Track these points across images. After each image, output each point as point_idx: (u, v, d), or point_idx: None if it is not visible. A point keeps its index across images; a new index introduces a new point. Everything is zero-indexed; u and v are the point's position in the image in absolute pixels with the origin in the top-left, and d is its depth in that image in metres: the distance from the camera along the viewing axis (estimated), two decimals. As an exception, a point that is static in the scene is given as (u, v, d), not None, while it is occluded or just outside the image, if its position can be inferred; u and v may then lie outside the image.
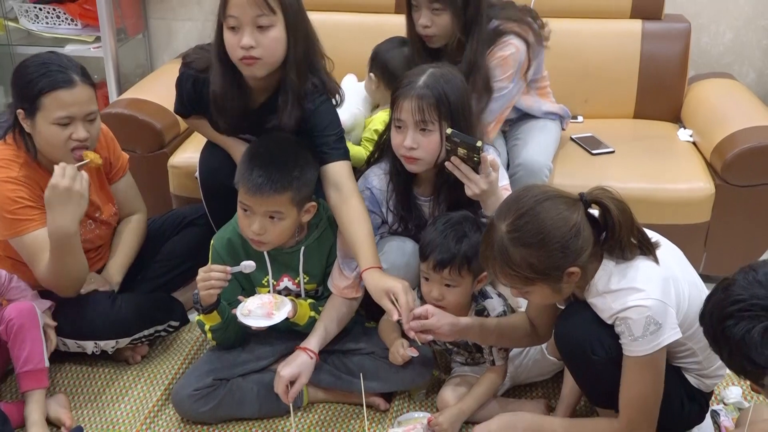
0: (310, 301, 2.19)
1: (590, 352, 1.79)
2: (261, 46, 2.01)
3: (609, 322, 1.76)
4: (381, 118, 2.60)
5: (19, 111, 2.13)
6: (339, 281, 2.17)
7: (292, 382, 2.04)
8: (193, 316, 2.55)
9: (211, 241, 2.20)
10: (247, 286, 2.22)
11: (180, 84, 2.31)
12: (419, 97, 2.02)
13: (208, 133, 2.38)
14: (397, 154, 2.10)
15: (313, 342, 2.08)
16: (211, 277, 2.00)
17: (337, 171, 2.13)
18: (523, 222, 1.69)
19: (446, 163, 2.01)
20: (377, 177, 2.20)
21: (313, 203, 2.12)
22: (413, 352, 2.09)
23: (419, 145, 2.04)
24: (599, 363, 1.79)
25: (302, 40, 2.08)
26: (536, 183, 2.00)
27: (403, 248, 2.19)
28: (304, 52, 2.09)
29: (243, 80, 2.14)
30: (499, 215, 1.74)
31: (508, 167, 2.55)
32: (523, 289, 1.76)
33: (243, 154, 2.08)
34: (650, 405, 1.78)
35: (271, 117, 2.15)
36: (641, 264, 1.75)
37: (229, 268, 2.03)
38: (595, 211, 1.75)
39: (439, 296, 2.05)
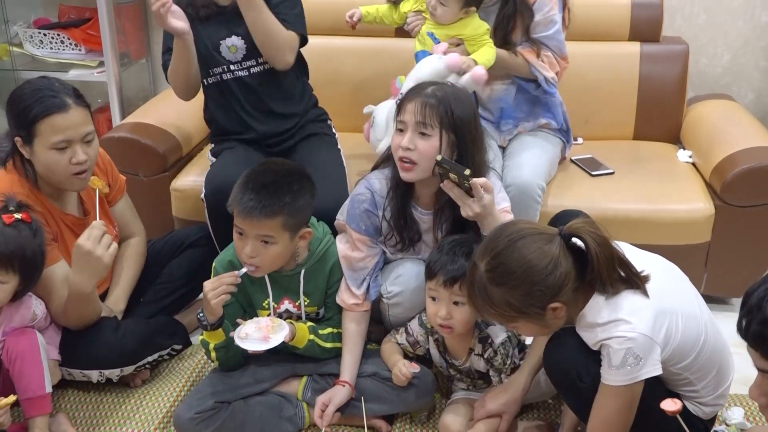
0: (309, 324, 2.20)
1: (577, 379, 1.80)
2: None
3: (595, 348, 1.75)
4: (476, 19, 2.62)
5: (17, 139, 2.13)
6: (347, 298, 2.19)
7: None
8: (196, 338, 2.57)
9: (213, 263, 2.22)
10: (249, 308, 2.23)
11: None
12: (423, 100, 2.04)
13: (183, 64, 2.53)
14: (395, 157, 2.10)
15: (346, 374, 2.15)
16: (222, 282, 2.04)
17: None
18: (498, 262, 1.70)
19: (441, 185, 2.02)
20: (378, 180, 2.20)
21: (309, 229, 2.12)
22: (415, 368, 2.11)
23: (416, 148, 2.04)
24: (586, 390, 1.79)
25: None
26: (518, 219, 2.00)
27: (418, 272, 2.18)
28: None
29: None
30: (478, 254, 1.76)
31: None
32: (509, 325, 1.79)
33: (241, 177, 2.09)
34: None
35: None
36: (630, 297, 1.73)
37: (237, 272, 2.06)
38: (580, 242, 1.73)
39: (447, 315, 2.03)
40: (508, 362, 2.10)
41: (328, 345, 2.20)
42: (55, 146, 2.11)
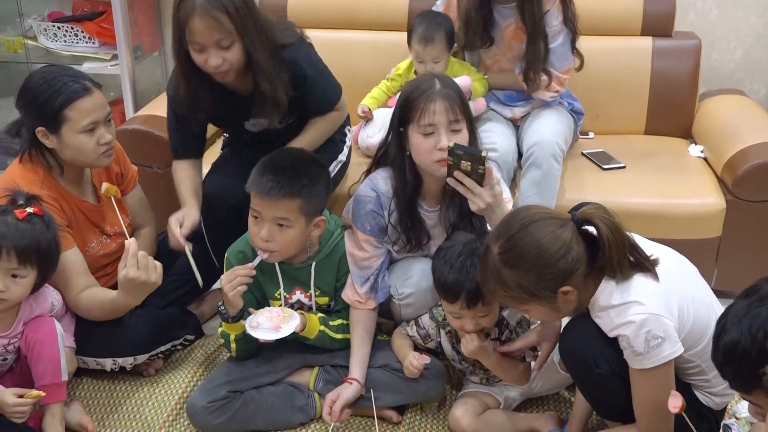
0: (320, 315, 2.21)
1: (594, 366, 1.81)
2: (227, 61, 2.22)
3: (611, 335, 1.76)
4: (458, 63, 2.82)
5: (39, 129, 2.14)
6: (351, 294, 2.20)
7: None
8: (208, 329, 2.59)
9: (225, 254, 2.23)
10: (261, 299, 2.24)
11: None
12: (445, 97, 2.02)
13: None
14: (426, 159, 2.06)
15: (355, 371, 2.15)
16: (237, 275, 2.06)
17: None
18: (511, 245, 1.72)
19: (448, 179, 1.99)
20: (383, 181, 2.19)
21: (323, 218, 2.14)
22: (425, 359, 2.11)
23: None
24: (603, 376, 1.80)
25: (259, 43, 2.25)
26: (531, 204, 1.98)
27: (428, 272, 2.17)
28: (263, 47, 2.26)
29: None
30: (492, 237, 1.77)
31: (520, 157, 2.65)
32: (520, 308, 1.79)
33: (258, 163, 2.11)
34: (664, 412, 1.78)
35: (254, 108, 2.36)
36: (641, 280, 1.75)
37: (251, 264, 2.08)
38: (592, 229, 1.75)
39: (475, 327, 2.05)
40: None
41: (339, 336, 2.22)
42: (84, 129, 2.14)
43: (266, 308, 2.13)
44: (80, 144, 2.15)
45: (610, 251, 1.71)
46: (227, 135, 2.77)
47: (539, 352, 2.09)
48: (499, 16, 2.70)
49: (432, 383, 2.19)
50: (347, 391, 2.12)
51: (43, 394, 2.02)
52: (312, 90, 2.42)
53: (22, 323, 2.10)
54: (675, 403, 1.59)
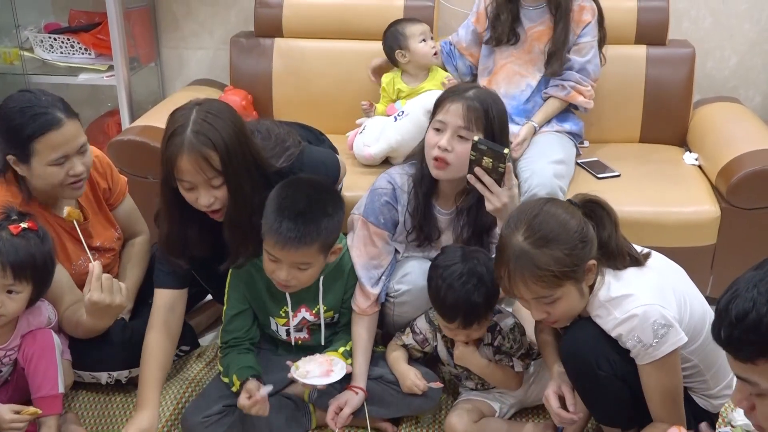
0: (341, 350, 2.18)
1: (596, 368, 1.81)
2: (219, 200, 2.03)
3: (613, 334, 1.77)
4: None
5: (10, 157, 2.11)
6: (362, 301, 2.19)
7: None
8: (204, 340, 2.59)
9: (229, 270, 2.20)
10: (263, 316, 2.24)
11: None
12: (468, 104, 2.03)
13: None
14: (428, 155, 2.09)
15: (360, 380, 2.14)
16: (257, 402, 2.00)
17: None
18: (538, 222, 1.74)
19: (468, 176, 2.00)
20: (400, 176, 2.20)
21: (340, 245, 2.11)
22: (437, 385, 2.13)
23: (453, 150, 2.04)
24: (605, 378, 1.81)
25: (247, 179, 2.05)
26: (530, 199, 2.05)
27: (425, 270, 2.18)
28: (250, 183, 2.06)
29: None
30: (508, 231, 1.78)
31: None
32: (553, 295, 1.76)
33: (269, 203, 2.00)
34: (678, 399, 1.82)
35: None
36: (637, 273, 1.79)
37: (263, 391, 2.02)
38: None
39: (467, 338, 2.08)
40: (516, 346, 2.13)
41: (349, 348, 2.22)
42: (53, 163, 2.08)
43: (310, 357, 2.10)
44: (49, 176, 2.11)
45: (615, 231, 1.78)
46: None
47: (528, 360, 2.14)
48: (525, 17, 2.80)
49: (428, 396, 2.18)
50: (354, 400, 2.10)
51: (40, 411, 2.02)
52: None
53: (19, 337, 2.10)
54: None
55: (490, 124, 2.04)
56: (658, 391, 1.80)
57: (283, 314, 2.20)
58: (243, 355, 2.16)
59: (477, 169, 1.98)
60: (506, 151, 1.93)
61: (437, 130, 2.07)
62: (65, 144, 2.09)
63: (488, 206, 2.01)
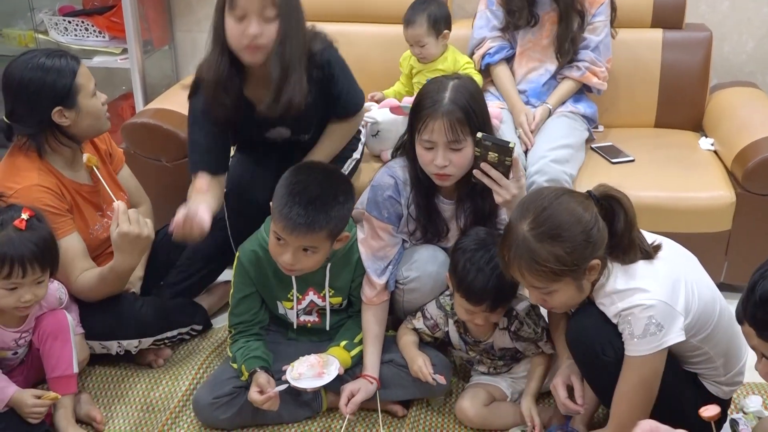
0: (342, 344, 2.19)
1: (600, 353, 1.81)
2: (265, 35, 2.15)
3: (614, 321, 1.77)
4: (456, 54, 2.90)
5: (57, 111, 2.16)
6: (369, 291, 2.19)
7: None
8: (216, 321, 2.60)
9: (237, 252, 2.22)
10: (270, 300, 2.25)
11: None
12: (449, 118, 1.98)
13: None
14: (427, 172, 2.08)
15: (372, 369, 2.14)
16: (269, 398, 2.04)
17: None
18: (545, 216, 1.72)
19: (474, 172, 1.99)
20: (401, 169, 2.18)
21: (347, 234, 2.12)
22: (441, 380, 2.12)
23: (451, 162, 2.03)
24: (609, 364, 1.80)
25: (295, 34, 2.20)
26: (545, 186, 2.02)
27: (434, 256, 2.19)
28: (297, 41, 2.21)
29: (241, 68, 2.26)
30: (516, 217, 1.76)
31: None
32: (548, 288, 1.76)
33: (281, 185, 2.03)
34: (640, 406, 1.79)
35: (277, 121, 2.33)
36: (647, 266, 1.77)
37: (276, 389, 2.05)
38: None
39: (485, 322, 2.08)
40: (539, 330, 2.12)
41: (358, 339, 2.21)
42: (93, 92, 2.23)
43: (301, 359, 2.10)
44: (94, 107, 2.23)
45: (629, 226, 1.75)
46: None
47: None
48: (540, 3, 2.79)
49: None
50: (367, 389, 2.10)
51: (60, 396, 2.06)
52: (339, 91, 2.39)
53: (33, 319, 2.12)
54: (710, 412, 1.58)
55: (475, 122, 2.02)
56: (622, 386, 1.78)
57: (291, 298, 2.21)
58: (252, 343, 2.17)
59: (483, 165, 1.97)
60: (512, 144, 1.93)
61: (427, 149, 2.04)
62: (90, 74, 2.25)
63: (498, 199, 2.00)
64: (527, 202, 1.78)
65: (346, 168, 2.60)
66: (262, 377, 2.06)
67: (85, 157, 2.24)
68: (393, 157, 2.28)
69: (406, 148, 2.17)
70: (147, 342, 2.34)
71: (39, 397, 2.02)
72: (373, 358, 2.15)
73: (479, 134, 1.95)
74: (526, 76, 2.88)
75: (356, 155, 2.67)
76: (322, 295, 2.21)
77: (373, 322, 2.19)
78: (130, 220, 2.09)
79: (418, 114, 2.05)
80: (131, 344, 2.32)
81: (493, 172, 1.97)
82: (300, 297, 2.21)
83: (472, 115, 2.01)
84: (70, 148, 2.26)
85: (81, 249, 2.24)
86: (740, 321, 1.49)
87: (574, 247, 1.70)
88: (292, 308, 2.23)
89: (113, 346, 2.31)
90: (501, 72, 2.90)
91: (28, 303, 2.00)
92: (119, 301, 2.29)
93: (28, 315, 2.10)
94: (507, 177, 1.97)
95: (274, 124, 2.40)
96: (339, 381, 2.14)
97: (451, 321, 2.20)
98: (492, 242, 2.02)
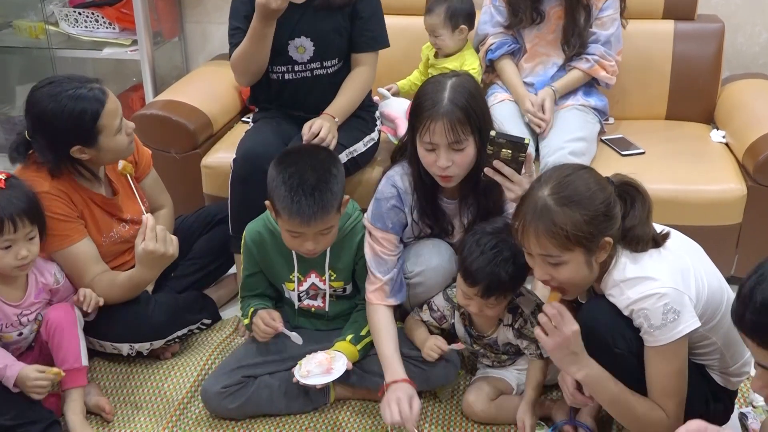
0: (349, 338, 2.20)
1: (613, 345, 1.80)
2: None
3: (626, 313, 1.77)
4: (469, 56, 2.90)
5: (77, 148, 2.15)
6: (376, 297, 2.17)
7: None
8: (225, 314, 2.61)
9: (243, 233, 2.24)
10: (276, 282, 2.26)
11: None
12: (449, 118, 1.97)
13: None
14: (431, 172, 2.07)
15: (400, 372, 2.07)
16: (267, 334, 2.15)
17: None
18: (567, 182, 1.73)
19: (485, 169, 1.98)
20: (401, 177, 2.18)
21: (347, 197, 2.14)
22: (459, 346, 2.13)
23: (453, 162, 2.02)
24: (621, 356, 1.80)
25: None
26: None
27: (438, 250, 2.19)
28: None
29: None
30: (538, 184, 1.77)
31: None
32: (560, 257, 1.74)
33: (275, 184, 2.03)
34: (680, 394, 1.80)
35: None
36: (655, 254, 1.77)
37: (285, 331, 2.13)
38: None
39: (479, 311, 2.07)
40: None
41: (365, 331, 2.21)
42: (117, 130, 2.18)
43: (308, 357, 2.11)
44: (117, 144, 2.20)
45: (645, 211, 1.76)
46: (256, 110, 2.79)
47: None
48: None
49: (445, 371, 2.19)
50: (408, 390, 2.02)
51: (63, 373, 2.08)
52: (369, 15, 2.52)
53: (33, 295, 2.15)
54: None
55: (475, 121, 2.01)
56: (659, 379, 1.78)
57: (293, 279, 2.22)
58: (262, 299, 2.25)
59: (496, 162, 1.96)
60: (527, 140, 1.93)
61: (429, 150, 2.03)
62: (117, 107, 2.18)
63: (510, 195, 2.00)
64: (550, 171, 1.81)
65: (364, 147, 2.64)
66: (264, 312, 2.17)
67: (121, 164, 2.26)
68: (393, 160, 2.27)
69: (407, 150, 2.16)
70: (159, 344, 2.35)
71: (42, 372, 2.04)
72: (395, 362, 2.08)
73: (493, 132, 1.95)
74: (533, 70, 2.87)
75: (374, 135, 2.70)
76: (323, 278, 2.22)
77: (384, 328, 2.13)
78: (157, 238, 2.10)
79: (418, 116, 2.04)
80: (143, 347, 2.33)
81: (506, 169, 1.97)
82: (302, 278, 2.22)
83: (472, 114, 2.00)
84: (88, 173, 2.26)
85: (93, 253, 2.25)
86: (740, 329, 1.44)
87: (593, 217, 1.71)
88: (293, 290, 2.24)
89: (125, 348, 2.33)
90: (505, 66, 2.88)
91: (25, 259, 2.05)
92: (132, 305, 2.29)
93: (28, 287, 2.14)
94: (519, 173, 1.97)
95: (299, 32, 2.47)
96: (346, 374, 2.15)
97: (457, 313, 2.20)
98: (506, 233, 2.02)
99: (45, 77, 2.19)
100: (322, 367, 2.08)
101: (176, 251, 2.16)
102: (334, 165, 2.09)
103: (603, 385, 1.82)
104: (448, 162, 2.02)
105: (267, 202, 2.07)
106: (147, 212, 2.32)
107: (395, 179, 2.18)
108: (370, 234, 2.19)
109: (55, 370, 2.06)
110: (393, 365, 2.08)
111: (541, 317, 1.81)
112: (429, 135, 2.00)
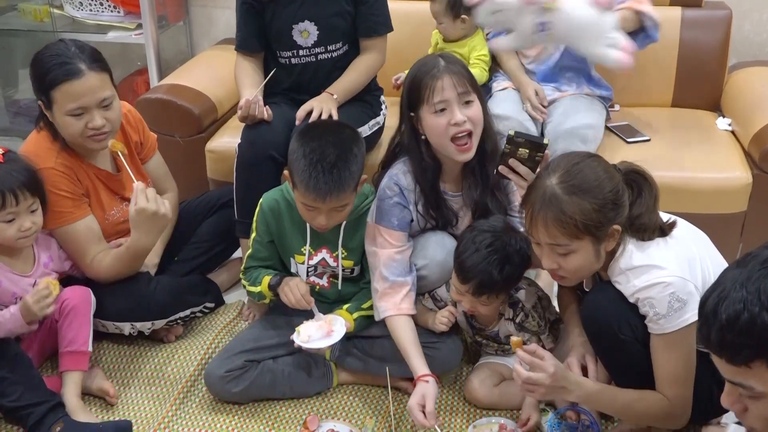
0: (346, 306, 2.21)
1: (618, 332, 1.80)
2: None
3: (632, 301, 1.77)
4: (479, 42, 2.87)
5: (39, 102, 2.17)
6: (392, 306, 2.13)
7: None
8: (229, 298, 2.61)
9: (260, 200, 2.24)
10: (284, 254, 2.27)
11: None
12: (451, 69, 2.02)
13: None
14: (446, 139, 2.04)
15: (423, 368, 2.04)
16: (298, 303, 2.13)
17: None
18: (576, 170, 1.73)
19: (500, 168, 1.97)
20: (404, 175, 2.16)
21: (364, 176, 2.14)
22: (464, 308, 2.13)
23: (468, 118, 2.02)
24: (626, 343, 1.80)
25: None
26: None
27: (443, 244, 2.18)
28: None
29: None
30: (547, 172, 1.77)
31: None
32: (569, 246, 1.74)
33: (296, 156, 2.03)
34: (687, 381, 1.80)
35: None
36: (662, 243, 1.77)
37: (315, 309, 2.13)
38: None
39: (471, 309, 2.07)
40: (543, 323, 2.12)
41: (366, 305, 2.21)
42: (70, 113, 2.12)
43: (306, 323, 2.11)
44: (68, 126, 2.15)
45: (653, 199, 1.76)
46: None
47: (556, 330, 2.11)
48: None
49: (448, 356, 2.19)
50: (431, 390, 2.00)
51: (56, 281, 2.13)
52: (374, 1, 2.55)
53: (42, 265, 2.18)
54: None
55: (472, 79, 2.07)
56: (665, 367, 1.78)
57: (303, 252, 2.22)
58: (269, 271, 2.25)
59: (511, 161, 1.95)
60: (546, 141, 1.94)
61: (441, 110, 2.02)
62: (83, 95, 2.11)
63: (522, 194, 1.97)
64: (558, 159, 1.80)
65: (369, 130, 2.64)
66: (296, 282, 2.16)
67: (110, 142, 2.23)
68: (388, 152, 2.24)
69: (404, 143, 2.15)
70: (160, 323, 2.35)
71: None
72: (418, 359, 2.07)
73: (511, 131, 1.94)
74: (537, 57, 2.85)
75: (380, 119, 2.70)
76: (335, 255, 2.22)
77: (404, 332, 2.10)
78: (148, 198, 2.11)
79: (417, 87, 2.04)
80: (145, 326, 2.34)
81: (521, 168, 1.95)
82: (312, 252, 2.22)
83: (469, 74, 2.06)
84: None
85: (95, 232, 2.26)
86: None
87: (602, 205, 1.71)
88: (303, 263, 2.24)
89: (126, 327, 2.33)
90: (504, 53, 2.87)
91: (29, 231, 2.09)
92: (133, 284, 2.30)
93: (36, 256, 2.18)
94: (534, 172, 1.95)
95: (302, 16, 2.49)
96: (347, 355, 2.16)
97: (459, 305, 2.20)
98: (503, 232, 2.03)
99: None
100: (322, 330, 2.08)
101: (168, 212, 2.16)
102: (356, 144, 2.09)
103: (601, 401, 1.86)
104: (463, 116, 2.01)
105: (285, 172, 2.08)
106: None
107: (397, 177, 2.17)
108: (376, 238, 2.15)
109: (45, 279, 2.10)
110: (413, 365, 2.06)
111: (517, 367, 1.81)
112: (438, 94, 2.01)
